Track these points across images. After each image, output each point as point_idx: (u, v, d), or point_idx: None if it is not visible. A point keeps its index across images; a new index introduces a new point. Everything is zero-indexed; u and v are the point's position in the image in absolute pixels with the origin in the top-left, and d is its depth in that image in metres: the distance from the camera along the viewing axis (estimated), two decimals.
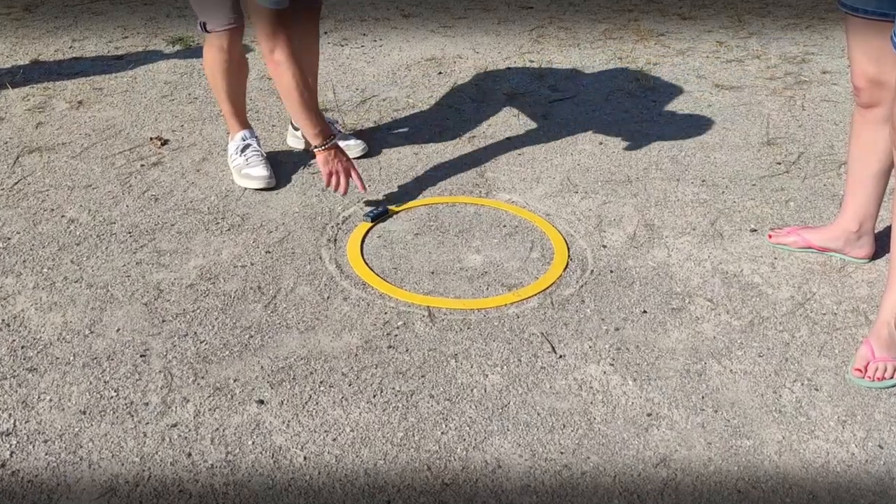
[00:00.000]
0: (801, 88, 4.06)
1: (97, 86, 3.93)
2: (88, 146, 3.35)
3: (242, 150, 3.09)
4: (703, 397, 2.13)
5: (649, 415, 2.07)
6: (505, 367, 2.21)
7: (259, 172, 3.04)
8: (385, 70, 4.24)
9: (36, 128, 3.50)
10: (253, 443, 1.96)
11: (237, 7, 2.88)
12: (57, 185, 3.05)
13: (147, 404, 2.06)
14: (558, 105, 3.85)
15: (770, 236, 2.78)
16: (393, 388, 2.13)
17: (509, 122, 3.68)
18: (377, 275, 2.58)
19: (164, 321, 2.36)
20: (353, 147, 3.28)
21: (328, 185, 2.84)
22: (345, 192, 2.87)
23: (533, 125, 3.64)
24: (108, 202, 2.94)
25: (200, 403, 2.07)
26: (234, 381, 2.15)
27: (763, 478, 1.91)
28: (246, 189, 3.04)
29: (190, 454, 1.93)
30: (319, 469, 1.90)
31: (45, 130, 3.48)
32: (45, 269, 2.57)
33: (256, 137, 3.15)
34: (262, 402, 2.08)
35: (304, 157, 3.28)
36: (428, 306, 2.45)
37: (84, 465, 1.89)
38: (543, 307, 2.46)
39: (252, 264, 2.62)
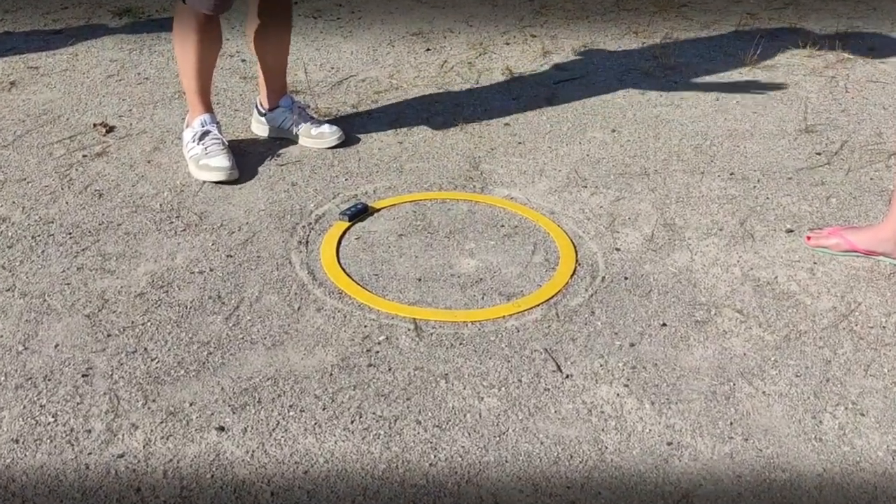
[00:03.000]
0: (845, 67, 4.08)
1: (32, 64, 3.92)
2: (22, 134, 3.35)
3: (201, 138, 3.09)
4: (731, 423, 2.13)
5: (669, 444, 2.08)
6: (503, 389, 2.22)
7: (219, 163, 3.04)
8: (364, 46, 4.24)
9: None
10: (212, 476, 1.96)
11: None
12: None
13: (90, 431, 2.06)
14: (564, 86, 3.85)
15: (808, 238, 2.79)
16: (374, 413, 2.13)
17: (508, 106, 3.68)
18: (355, 282, 2.59)
19: (109, 336, 2.35)
20: (327, 135, 3.28)
21: None
22: None
23: (535, 110, 3.65)
24: (44, 198, 2.94)
25: (151, 430, 2.07)
26: (191, 404, 2.14)
27: None
28: (204, 183, 3.04)
29: (139, 489, 1.92)
30: None
31: None
32: None
33: (217, 123, 3.16)
34: (222, 428, 2.08)
35: (270, 147, 3.29)
36: (414, 318, 2.45)
37: (17, 502, 1.88)
38: (547, 319, 2.46)
39: (211, 270, 2.62)
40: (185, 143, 3.15)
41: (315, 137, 3.29)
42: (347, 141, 3.32)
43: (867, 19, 4.66)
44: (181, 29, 3.02)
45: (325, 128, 3.31)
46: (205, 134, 3.11)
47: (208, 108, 3.17)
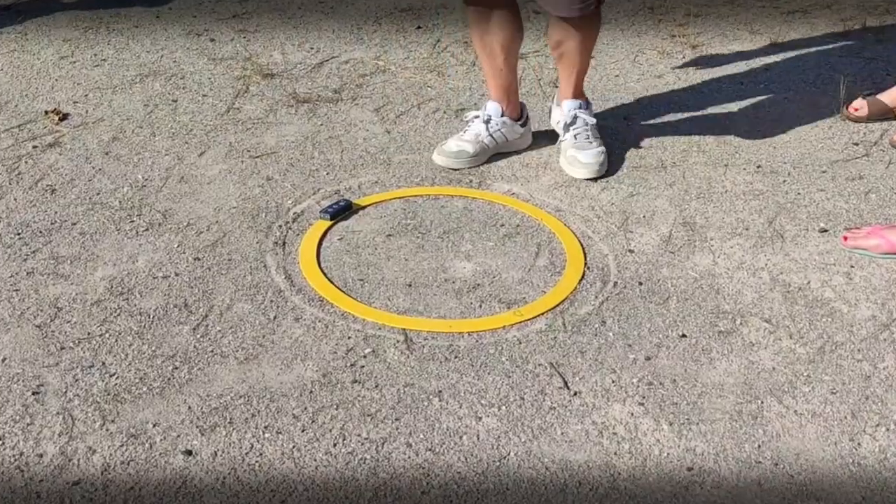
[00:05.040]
0: (885, 48, 4.09)
1: None
2: None
3: (469, 121, 3.24)
4: (759, 446, 2.14)
5: (690, 469, 2.08)
6: (503, 408, 2.22)
7: (449, 146, 3.17)
8: (348, 24, 4.25)
9: None
10: None
11: None
12: None
13: (41, 456, 2.05)
14: None
15: (845, 238, 2.79)
16: (359, 435, 2.13)
17: None
18: (338, 288, 2.59)
19: (62, 348, 2.35)
20: (579, 164, 3.12)
21: None
22: None
23: (539, 96, 3.65)
24: None
25: (110, 455, 2.06)
26: (154, 425, 2.14)
27: None
28: (168, 179, 3.03)
29: None
30: None
31: None
32: None
33: (497, 115, 3.19)
34: (189, 452, 2.08)
35: (242, 136, 3.28)
36: (404, 329, 2.45)
37: None
38: (553, 330, 2.46)
39: (176, 275, 2.62)
40: None
41: (568, 160, 3.15)
42: (330, 129, 3.32)
43: None
44: (470, 19, 3.17)
45: (584, 155, 3.12)
46: (475, 118, 3.23)
47: (496, 95, 3.22)
